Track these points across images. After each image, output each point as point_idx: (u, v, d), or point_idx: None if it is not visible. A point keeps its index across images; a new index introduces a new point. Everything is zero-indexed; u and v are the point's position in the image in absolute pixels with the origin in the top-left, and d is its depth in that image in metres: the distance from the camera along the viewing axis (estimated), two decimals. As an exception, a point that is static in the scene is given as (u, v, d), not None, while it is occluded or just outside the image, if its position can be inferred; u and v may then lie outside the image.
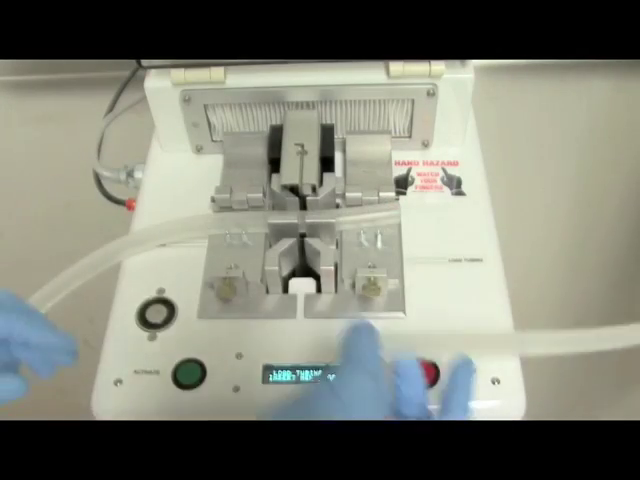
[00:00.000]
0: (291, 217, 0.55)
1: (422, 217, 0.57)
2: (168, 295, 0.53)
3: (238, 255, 0.54)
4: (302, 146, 0.56)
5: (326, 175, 0.57)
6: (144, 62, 0.57)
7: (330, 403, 0.36)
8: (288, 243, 0.53)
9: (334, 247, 0.55)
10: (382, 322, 0.51)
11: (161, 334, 0.51)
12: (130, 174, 0.66)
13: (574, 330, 0.47)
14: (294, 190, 0.55)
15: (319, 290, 0.53)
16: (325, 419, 0.34)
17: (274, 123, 0.61)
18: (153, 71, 0.59)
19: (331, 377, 0.37)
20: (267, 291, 0.53)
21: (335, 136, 0.60)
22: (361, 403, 0.36)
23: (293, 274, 0.55)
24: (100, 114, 0.74)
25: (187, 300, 0.53)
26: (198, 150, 0.64)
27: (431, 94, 0.58)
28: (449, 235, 0.56)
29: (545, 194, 0.92)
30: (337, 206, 0.58)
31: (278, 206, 0.57)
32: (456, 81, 0.58)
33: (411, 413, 0.39)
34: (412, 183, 0.61)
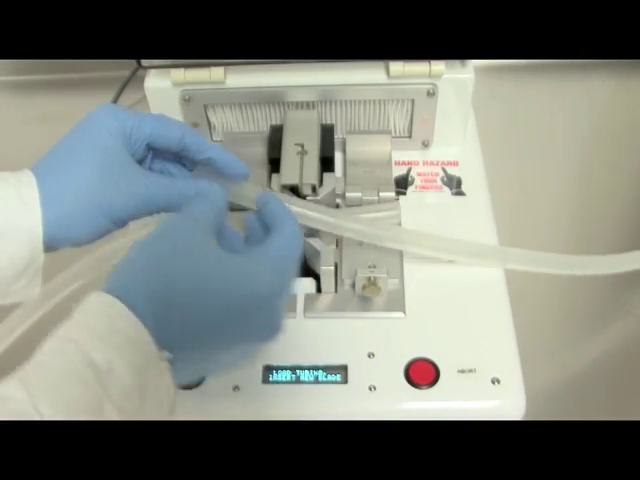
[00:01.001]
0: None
1: (422, 217, 0.57)
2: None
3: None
4: (302, 146, 0.56)
5: (326, 175, 0.57)
6: (144, 62, 0.57)
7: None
8: (288, 243, 0.53)
9: (334, 247, 0.55)
10: (382, 322, 0.51)
11: (161, 334, 0.51)
12: (130, 174, 0.66)
13: (558, 254, 0.53)
14: (294, 190, 0.55)
15: (319, 290, 0.53)
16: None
17: (274, 123, 0.61)
18: (153, 71, 0.59)
19: None
20: (267, 291, 0.53)
21: (335, 136, 0.60)
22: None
23: (293, 274, 0.56)
24: (100, 114, 0.74)
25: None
26: (198, 150, 0.64)
27: (431, 94, 0.58)
28: (449, 235, 0.56)
29: (545, 194, 0.92)
30: (337, 206, 0.58)
31: (278, 206, 0.57)
32: (456, 81, 0.58)
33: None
34: (412, 183, 0.61)
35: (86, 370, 0.33)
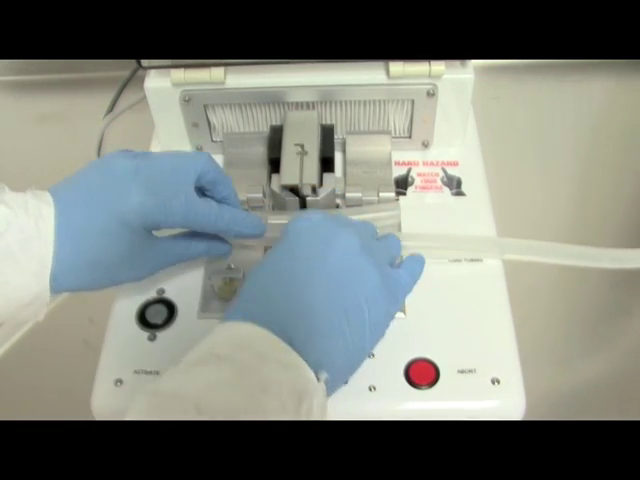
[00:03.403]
0: (291, 217, 0.55)
1: (422, 217, 0.57)
2: (168, 295, 0.53)
3: (238, 255, 0.54)
4: (302, 146, 0.56)
5: (326, 175, 0.57)
6: (144, 62, 0.57)
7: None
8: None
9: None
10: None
11: (161, 334, 0.51)
12: (130, 174, 0.66)
13: (559, 243, 0.55)
14: (294, 190, 0.55)
15: (319, 290, 0.53)
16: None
17: (274, 123, 0.61)
18: (153, 71, 0.59)
19: None
20: (267, 291, 0.53)
21: (335, 136, 0.60)
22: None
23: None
24: (100, 114, 0.74)
25: (187, 300, 0.53)
26: (198, 150, 0.64)
27: (431, 94, 0.58)
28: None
29: (546, 194, 0.92)
30: (337, 206, 0.57)
31: (278, 206, 0.57)
32: (456, 81, 0.58)
33: None
34: (412, 183, 0.61)
35: (243, 382, 0.34)
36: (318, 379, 0.36)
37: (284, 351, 0.36)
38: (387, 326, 0.43)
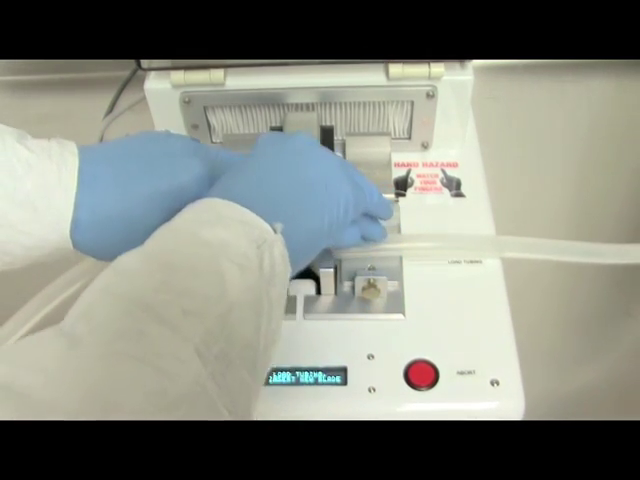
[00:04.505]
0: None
1: (422, 219, 0.57)
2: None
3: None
4: (302, 147, 0.56)
5: (326, 176, 0.57)
6: (144, 64, 0.57)
7: None
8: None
9: (334, 248, 0.55)
10: (382, 324, 0.51)
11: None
12: (130, 175, 0.66)
13: (557, 240, 0.54)
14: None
15: (319, 292, 0.53)
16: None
17: (274, 125, 0.61)
18: (153, 73, 0.59)
19: None
20: (267, 292, 0.53)
21: (335, 138, 0.60)
22: None
23: (292, 275, 0.55)
24: (100, 114, 0.74)
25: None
26: (198, 151, 0.64)
27: (430, 96, 0.58)
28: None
29: (545, 195, 0.92)
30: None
31: (278, 207, 0.57)
32: (455, 83, 0.58)
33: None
34: (412, 185, 0.61)
35: (198, 242, 0.36)
36: (276, 230, 0.38)
37: (241, 211, 0.38)
38: (351, 215, 0.45)
